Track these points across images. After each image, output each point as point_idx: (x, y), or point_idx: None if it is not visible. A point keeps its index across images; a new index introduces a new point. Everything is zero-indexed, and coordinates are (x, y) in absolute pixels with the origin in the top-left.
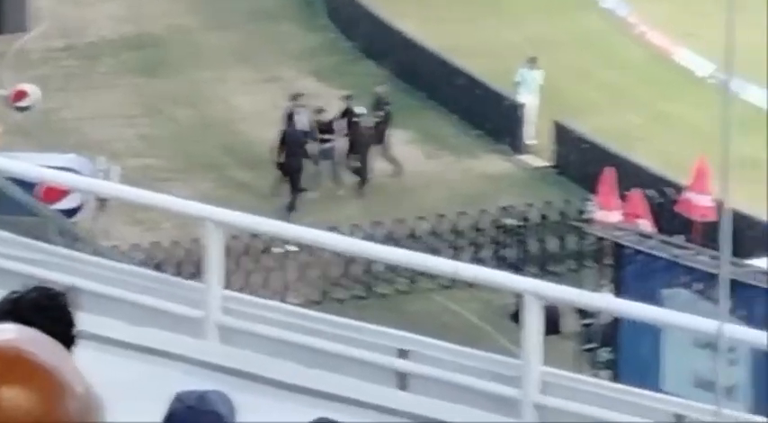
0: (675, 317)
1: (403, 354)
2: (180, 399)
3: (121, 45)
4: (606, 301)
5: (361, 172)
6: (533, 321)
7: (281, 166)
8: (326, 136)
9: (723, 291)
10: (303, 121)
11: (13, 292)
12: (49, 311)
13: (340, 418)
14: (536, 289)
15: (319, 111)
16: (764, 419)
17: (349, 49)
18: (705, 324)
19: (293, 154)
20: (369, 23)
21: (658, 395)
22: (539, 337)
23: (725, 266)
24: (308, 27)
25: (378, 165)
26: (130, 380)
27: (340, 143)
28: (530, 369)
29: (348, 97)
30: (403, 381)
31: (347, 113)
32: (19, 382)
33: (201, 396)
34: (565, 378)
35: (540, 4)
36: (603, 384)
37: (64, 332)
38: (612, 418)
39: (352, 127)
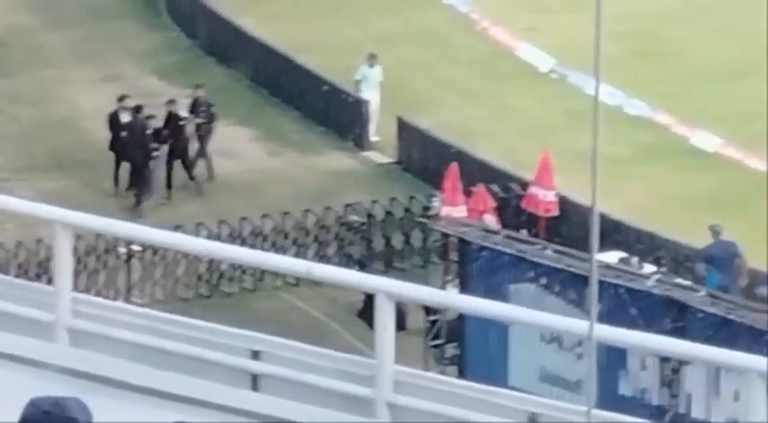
0: (545, 318)
1: (255, 354)
2: (34, 404)
3: None
4: (462, 301)
5: (189, 174)
6: (385, 320)
7: (126, 159)
8: (155, 144)
9: (593, 291)
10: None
11: None
12: None
13: (194, 420)
14: (388, 288)
15: (149, 117)
16: (635, 419)
17: (190, 48)
18: (575, 325)
19: (138, 146)
20: (209, 21)
21: (513, 393)
22: (391, 335)
23: (594, 267)
24: (149, 26)
25: (222, 162)
26: None
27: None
28: (383, 368)
29: (171, 101)
30: (256, 382)
31: (172, 118)
32: None
33: (57, 402)
34: (418, 377)
35: (383, 1)
36: (458, 383)
37: None
38: (467, 417)
39: (177, 130)
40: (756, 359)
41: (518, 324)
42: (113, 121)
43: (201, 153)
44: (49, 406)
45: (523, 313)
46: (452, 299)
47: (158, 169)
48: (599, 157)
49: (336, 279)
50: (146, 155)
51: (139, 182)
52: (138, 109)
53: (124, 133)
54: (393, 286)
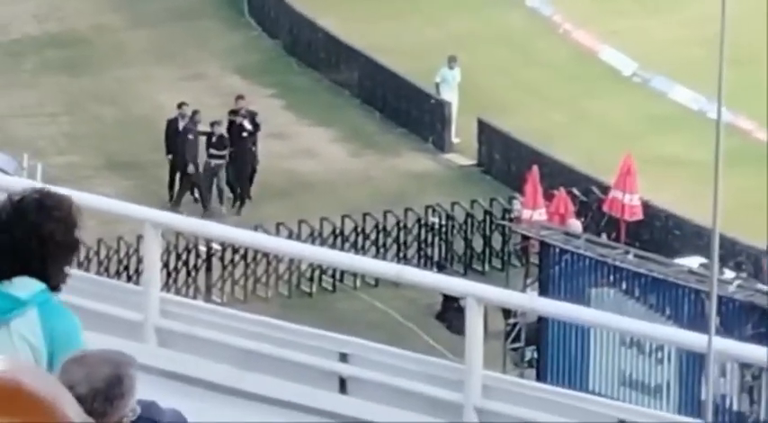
0: (662, 331)
1: (343, 357)
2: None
3: (45, 43)
4: (552, 306)
5: (243, 189)
6: (475, 325)
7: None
8: (215, 151)
9: (713, 304)
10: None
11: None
12: (51, 211)
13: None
14: (478, 292)
15: (213, 123)
16: None
17: (272, 47)
18: (693, 338)
19: (187, 153)
20: (290, 21)
21: (601, 399)
22: (480, 340)
23: (714, 282)
24: (231, 25)
25: (303, 162)
26: None
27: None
28: (472, 373)
29: (234, 112)
30: (344, 384)
31: (234, 126)
32: (20, 414)
33: (153, 404)
34: (506, 382)
35: (464, 2)
36: (546, 388)
37: (66, 233)
38: (554, 421)
39: (239, 142)
40: None
41: (633, 336)
42: (170, 127)
43: (254, 167)
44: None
45: (641, 326)
46: (550, 306)
47: (218, 178)
48: (720, 179)
49: (426, 282)
50: (194, 162)
51: (196, 188)
52: (193, 115)
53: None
54: (483, 291)
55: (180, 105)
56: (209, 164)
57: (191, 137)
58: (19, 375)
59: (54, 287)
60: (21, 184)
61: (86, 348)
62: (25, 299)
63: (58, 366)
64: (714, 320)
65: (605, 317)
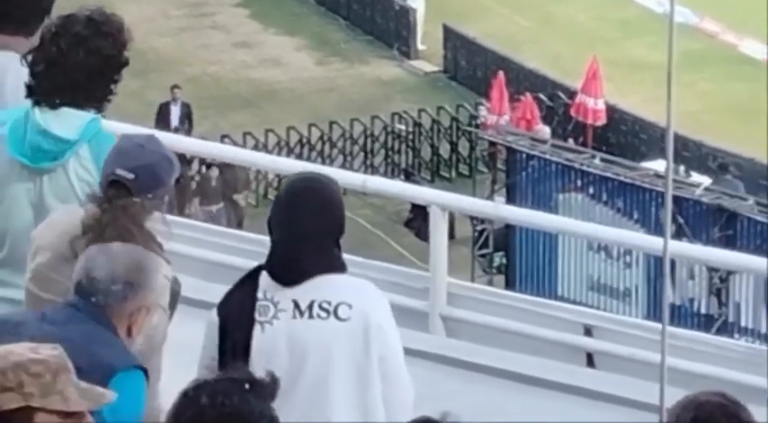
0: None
1: None
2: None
3: None
4: (516, 213)
5: None
6: (440, 233)
7: None
8: None
9: (667, 210)
10: (177, 114)
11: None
12: (101, 26)
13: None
14: (442, 201)
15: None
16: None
17: None
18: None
19: None
20: None
21: (568, 305)
22: (444, 248)
23: (669, 186)
24: None
25: (269, 71)
26: None
27: None
28: (436, 281)
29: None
30: None
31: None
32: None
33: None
34: (472, 289)
35: None
36: (512, 295)
37: (113, 49)
38: (521, 329)
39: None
40: None
41: (589, 240)
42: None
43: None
44: (143, 140)
45: (600, 230)
46: (515, 212)
47: None
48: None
49: (391, 191)
50: None
51: None
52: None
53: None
54: (447, 199)
55: (173, 88)
56: None
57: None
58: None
59: (98, 106)
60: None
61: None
62: (75, 138)
63: None
64: (669, 224)
65: (566, 222)
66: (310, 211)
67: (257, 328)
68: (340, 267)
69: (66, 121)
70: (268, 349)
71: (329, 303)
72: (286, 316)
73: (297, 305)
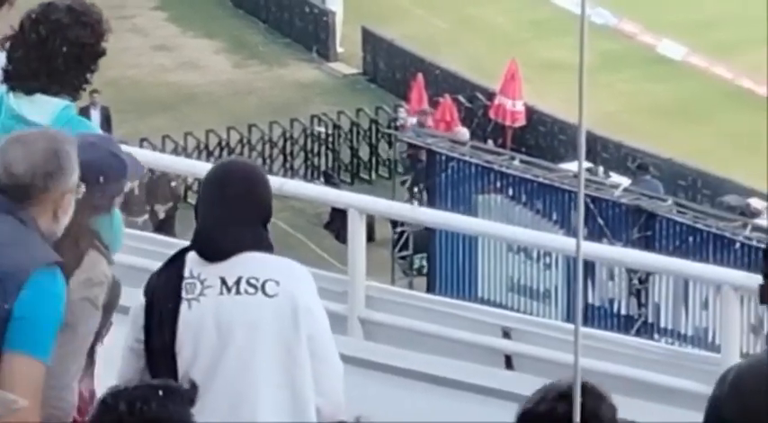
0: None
1: None
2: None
3: None
4: (433, 215)
5: None
6: (358, 236)
7: None
8: None
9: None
10: (98, 119)
11: None
12: (80, 16)
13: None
14: (360, 204)
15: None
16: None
17: None
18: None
19: None
20: None
21: (486, 308)
22: (363, 251)
23: (581, 186)
24: None
25: (188, 74)
26: None
27: None
28: (355, 284)
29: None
30: None
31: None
32: None
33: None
34: (390, 292)
35: None
36: (431, 298)
37: (91, 38)
38: (440, 331)
39: None
40: (726, 272)
41: (504, 241)
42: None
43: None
44: (95, 138)
45: (514, 232)
46: (432, 215)
47: None
48: (585, 78)
49: (309, 194)
50: None
51: None
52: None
53: None
54: (365, 202)
55: (92, 92)
56: None
57: None
58: None
59: (73, 94)
60: None
61: None
62: (48, 124)
63: None
64: (582, 225)
65: (483, 224)
66: (237, 192)
67: (184, 305)
68: (267, 246)
69: (40, 108)
70: (195, 326)
71: (257, 279)
72: (213, 292)
73: (224, 281)
